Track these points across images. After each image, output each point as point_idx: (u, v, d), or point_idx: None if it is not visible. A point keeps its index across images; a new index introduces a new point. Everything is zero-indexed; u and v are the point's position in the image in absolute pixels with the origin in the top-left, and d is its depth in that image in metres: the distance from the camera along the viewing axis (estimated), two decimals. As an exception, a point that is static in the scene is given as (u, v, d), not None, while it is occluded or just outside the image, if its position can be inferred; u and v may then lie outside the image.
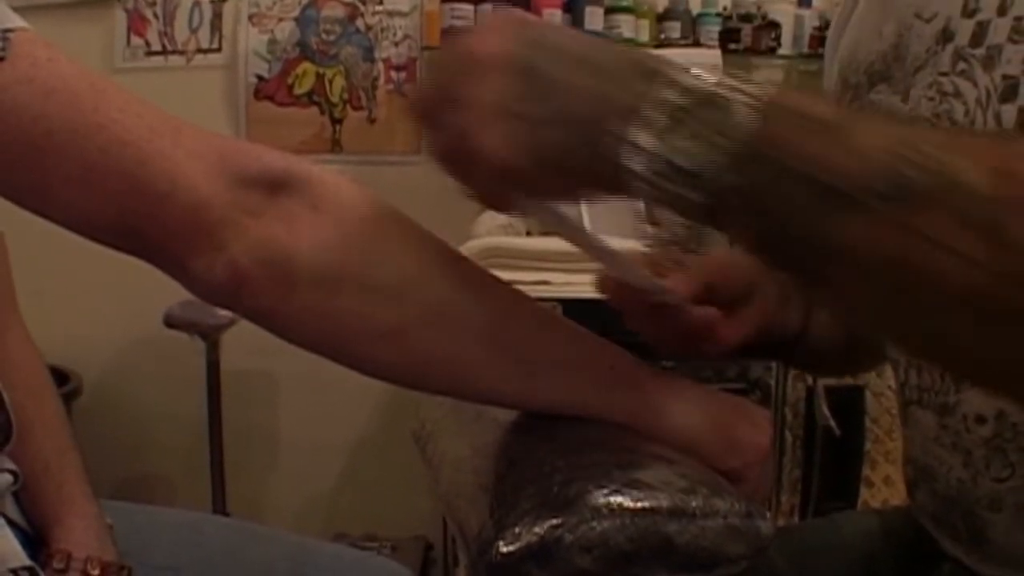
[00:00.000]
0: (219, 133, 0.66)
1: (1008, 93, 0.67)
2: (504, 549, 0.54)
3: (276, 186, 0.63)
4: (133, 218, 0.62)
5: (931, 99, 0.74)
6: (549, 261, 1.84)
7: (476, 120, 0.55)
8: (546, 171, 0.55)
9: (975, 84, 0.70)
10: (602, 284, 0.75)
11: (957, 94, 0.71)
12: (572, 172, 0.55)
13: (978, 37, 0.70)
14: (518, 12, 0.59)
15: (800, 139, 0.49)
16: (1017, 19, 0.67)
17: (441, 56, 0.59)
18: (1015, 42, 0.67)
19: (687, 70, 0.52)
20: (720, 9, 2.41)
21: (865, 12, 0.86)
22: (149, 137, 0.61)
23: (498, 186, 0.57)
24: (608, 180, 0.53)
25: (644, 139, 0.51)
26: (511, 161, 0.54)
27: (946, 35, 0.73)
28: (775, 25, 2.39)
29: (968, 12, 0.71)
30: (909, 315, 0.49)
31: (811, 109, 0.50)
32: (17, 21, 0.62)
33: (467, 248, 1.92)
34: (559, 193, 0.59)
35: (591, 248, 0.69)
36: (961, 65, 0.71)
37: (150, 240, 0.62)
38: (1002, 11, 0.68)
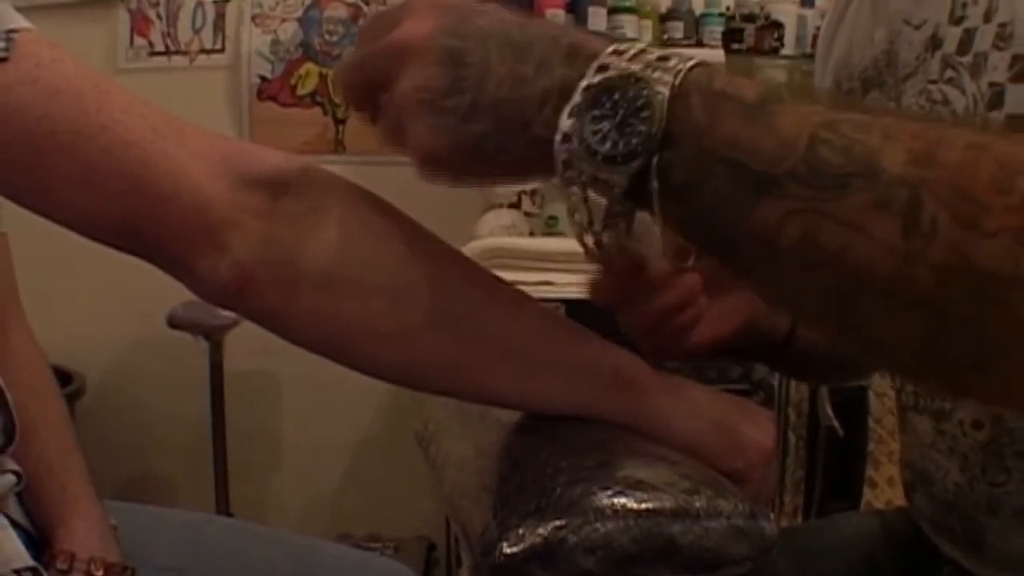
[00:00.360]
0: (222, 134, 0.66)
1: (995, 100, 0.67)
2: (507, 550, 0.54)
3: (280, 187, 0.63)
4: (136, 219, 0.62)
5: (921, 107, 0.73)
6: (552, 262, 1.85)
7: (403, 111, 0.55)
8: (472, 161, 0.55)
9: (963, 92, 0.70)
10: (594, 288, 0.74)
11: (946, 102, 0.71)
12: (498, 160, 0.55)
13: (965, 44, 0.70)
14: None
15: (718, 120, 0.48)
16: (1002, 26, 0.67)
17: (367, 36, 0.59)
18: (1000, 49, 0.67)
19: (616, 50, 0.51)
20: (723, 9, 2.41)
21: (857, 14, 0.86)
22: (152, 138, 0.61)
23: (430, 171, 0.57)
24: (534, 165, 0.53)
25: (565, 123, 0.51)
26: (437, 152, 0.55)
27: (935, 42, 0.72)
28: (778, 25, 2.40)
29: (955, 19, 0.71)
30: (823, 298, 0.48)
31: (733, 90, 0.49)
32: (21, 21, 0.62)
33: (470, 249, 1.92)
34: (488, 179, 0.59)
35: None
36: (949, 73, 0.71)
37: (153, 241, 0.62)
38: (987, 18, 0.68)
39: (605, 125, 0.50)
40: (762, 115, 0.48)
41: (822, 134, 0.46)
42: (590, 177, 0.51)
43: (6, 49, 0.60)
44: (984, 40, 0.68)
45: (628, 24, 2.32)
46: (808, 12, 2.43)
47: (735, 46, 2.37)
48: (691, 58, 0.51)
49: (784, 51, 2.40)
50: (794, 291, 0.50)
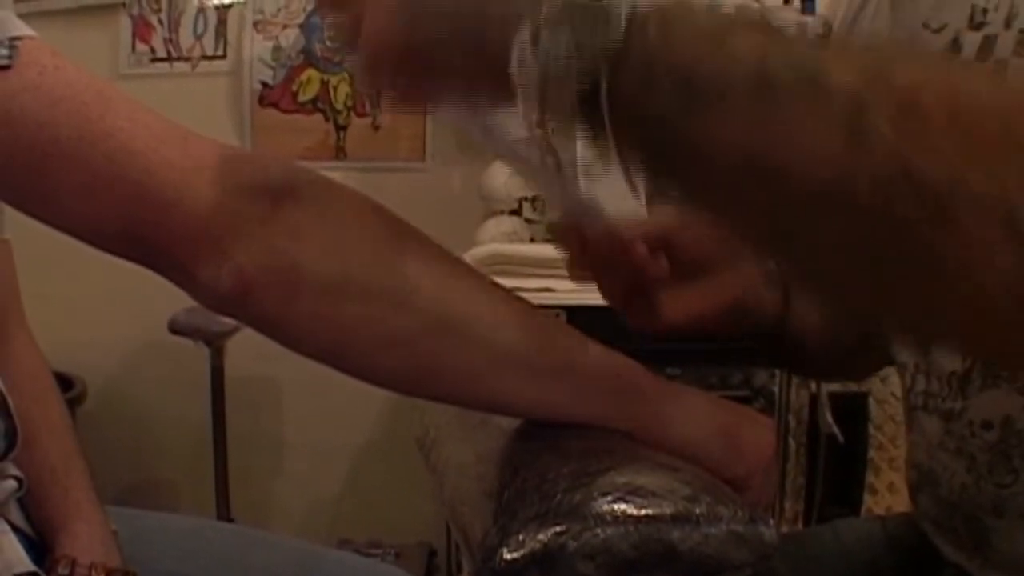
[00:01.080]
0: (225, 143, 0.67)
1: None
2: (508, 556, 0.55)
3: (281, 195, 0.63)
4: (139, 226, 0.62)
5: None
6: (553, 268, 1.84)
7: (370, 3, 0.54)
8: (422, 50, 0.54)
9: None
10: (554, 228, 0.73)
11: None
12: (451, 60, 0.54)
13: (985, 51, 0.69)
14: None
15: (671, 39, 0.48)
16: (1022, 32, 0.67)
17: None
18: (1021, 55, 0.67)
19: None
20: (724, 16, 2.41)
21: (873, 18, 0.85)
22: (156, 146, 0.62)
23: (375, 64, 0.56)
24: (485, 74, 0.52)
25: (524, 38, 0.50)
26: (390, 39, 0.54)
27: (954, 47, 0.72)
28: (779, 32, 2.40)
29: (975, 25, 0.70)
30: (763, 210, 0.48)
31: (693, 19, 0.49)
32: (24, 29, 0.62)
33: (471, 255, 1.92)
34: (430, 85, 0.58)
35: (523, 163, 0.65)
36: None
37: (155, 248, 0.63)
38: (1008, 24, 0.68)
39: (562, 39, 0.49)
40: (717, 39, 0.48)
41: (774, 51, 0.46)
42: (540, 92, 0.50)
43: (9, 57, 0.60)
44: (1004, 47, 0.68)
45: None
46: (809, 19, 2.43)
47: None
48: None
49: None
50: (737, 206, 0.50)
